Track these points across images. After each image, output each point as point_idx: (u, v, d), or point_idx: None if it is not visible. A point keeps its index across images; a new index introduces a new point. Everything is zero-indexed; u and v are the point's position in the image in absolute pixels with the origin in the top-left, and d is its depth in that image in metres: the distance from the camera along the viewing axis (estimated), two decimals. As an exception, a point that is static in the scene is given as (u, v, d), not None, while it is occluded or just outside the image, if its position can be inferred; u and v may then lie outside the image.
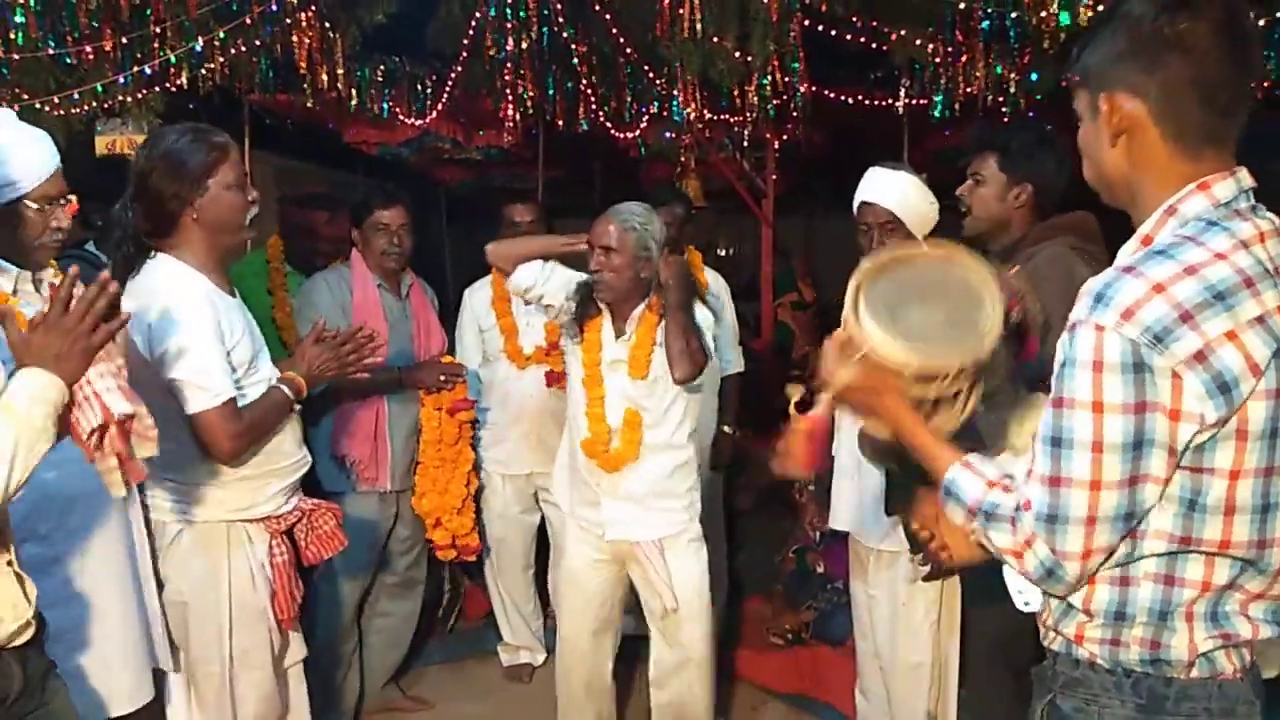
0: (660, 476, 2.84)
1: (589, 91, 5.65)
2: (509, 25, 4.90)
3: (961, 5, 4.66)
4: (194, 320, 2.17)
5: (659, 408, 2.83)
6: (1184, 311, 1.16)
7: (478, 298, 3.84)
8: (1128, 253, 1.30)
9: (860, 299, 1.45)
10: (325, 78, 5.05)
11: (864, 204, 2.72)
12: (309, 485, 2.53)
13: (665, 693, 2.95)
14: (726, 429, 4.04)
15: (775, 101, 5.08)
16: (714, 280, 4.05)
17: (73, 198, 2.10)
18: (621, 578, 2.97)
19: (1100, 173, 1.37)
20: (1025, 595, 1.46)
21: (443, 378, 3.35)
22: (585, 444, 2.84)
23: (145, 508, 2.27)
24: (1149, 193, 1.31)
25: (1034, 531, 1.26)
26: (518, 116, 5.53)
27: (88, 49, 4.39)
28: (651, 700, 3.00)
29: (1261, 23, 4.43)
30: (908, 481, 1.68)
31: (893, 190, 2.67)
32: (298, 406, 2.38)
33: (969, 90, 5.07)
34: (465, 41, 5.15)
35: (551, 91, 5.70)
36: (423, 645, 4.02)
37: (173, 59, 4.51)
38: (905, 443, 1.46)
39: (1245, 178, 1.29)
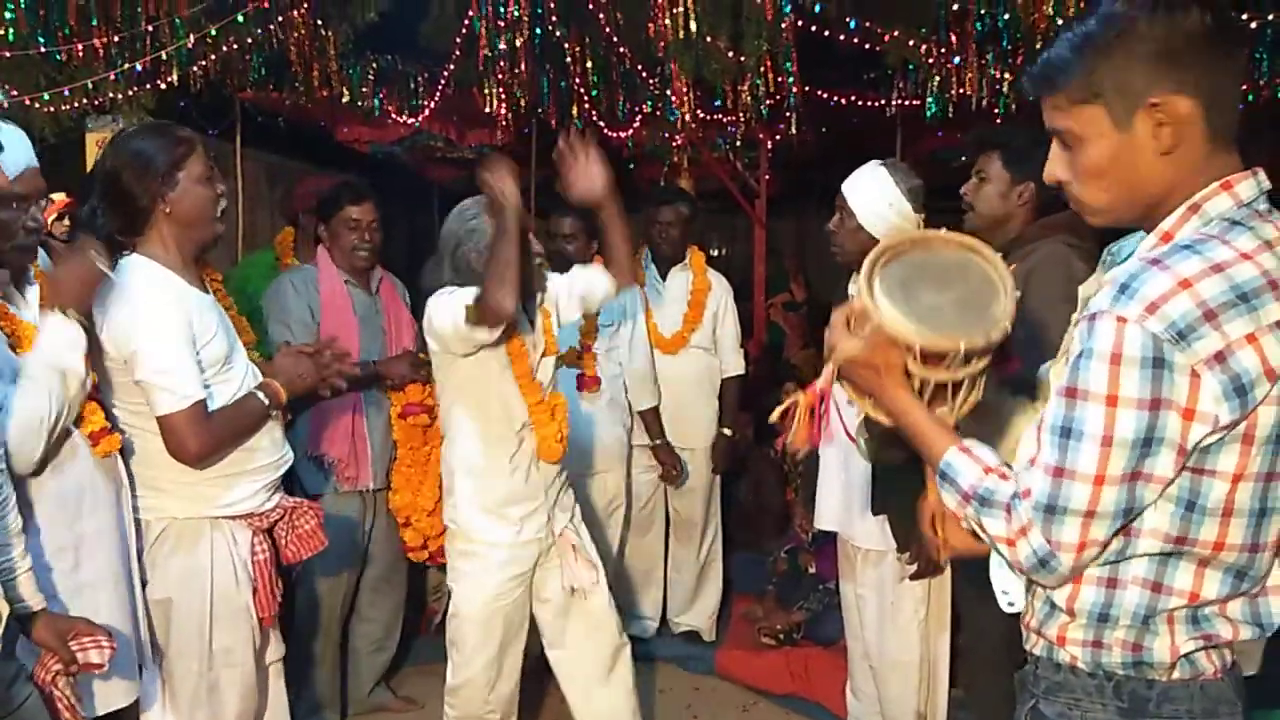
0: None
1: (582, 91, 5.65)
2: (501, 24, 4.90)
3: (955, 6, 4.67)
4: (163, 322, 2.17)
5: (548, 376, 2.78)
6: (1208, 310, 1.15)
7: None
8: (1147, 248, 1.27)
9: (875, 272, 1.44)
10: (317, 75, 5.04)
11: (840, 190, 2.74)
12: (288, 486, 2.52)
13: (598, 702, 2.83)
14: (726, 431, 4.04)
15: (768, 102, 5.09)
16: (717, 283, 4.05)
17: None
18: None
19: (1135, 188, 1.29)
20: (1010, 596, 1.45)
21: (419, 366, 3.28)
22: (545, 452, 2.69)
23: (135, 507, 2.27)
24: (1180, 198, 1.26)
25: (1030, 520, 1.25)
26: (510, 115, 5.52)
27: (78, 45, 4.37)
28: (579, 709, 2.85)
29: (1254, 25, 4.45)
30: (905, 477, 1.66)
31: (862, 193, 2.68)
32: (274, 414, 2.36)
33: (962, 91, 5.08)
34: (458, 40, 5.14)
35: (545, 90, 5.70)
36: (414, 645, 4.00)
37: (164, 56, 4.49)
38: (901, 425, 1.43)
39: (1264, 178, 1.27)
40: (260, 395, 2.31)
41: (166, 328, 2.17)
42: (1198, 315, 1.15)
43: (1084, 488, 1.21)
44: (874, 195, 2.65)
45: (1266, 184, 1.27)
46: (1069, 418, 1.21)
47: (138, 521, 2.27)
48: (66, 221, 3.29)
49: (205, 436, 2.20)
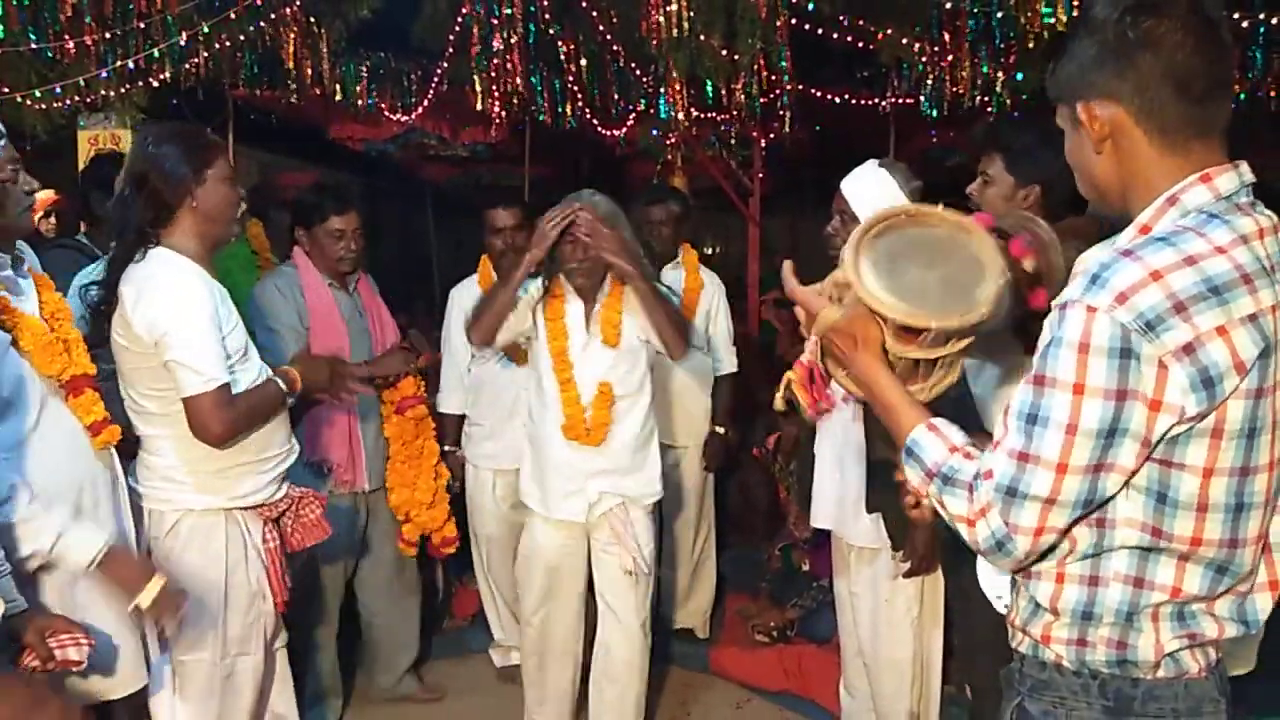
0: (636, 437, 2.99)
1: (575, 89, 5.65)
2: (495, 21, 4.90)
3: (948, 5, 4.68)
4: (192, 307, 2.27)
5: (631, 375, 2.96)
6: (1178, 301, 1.15)
7: (465, 295, 3.81)
8: (1125, 240, 1.27)
9: (863, 243, 1.43)
10: (310, 73, 5.03)
11: (839, 189, 2.74)
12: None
13: (611, 683, 3.04)
14: (719, 429, 4.04)
15: (762, 100, 5.09)
16: (709, 280, 4.05)
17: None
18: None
19: (1092, 183, 1.36)
20: (1005, 599, 1.45)
21: (410, 358, 3.34)
22: (565, 428, 2.91)
23: (134, 494, 2.32)
24: (1142, 194, 1.29)
25: (990, 501, 1.25)
26: (504, 113, 5.52)
27: (70, 43, 4.36)
28: (594, 676, 3.07)
29: (1245, 24, 4.46)
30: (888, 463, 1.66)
31: (866, 194, 2.67)
32: (290, 401, 2.46)
33: (955, 90, 5.09)
34: (451, 37, 5.14)
35: (538, 88, 5.70)
36: (433, 639, 3.99)
37: (156, 53, 4.48)
38: (871, 398, 1.44)
39: (1246, 171, 1.27)
40: (280, 381, 2.41)
41: (195, 313, 2.27)
42: (1167, 306, 1.15)
43: (1046, 474, 1.21)
44: (877, 196, 2.63)
45: (1249, 177, 1.27)
46: (1036, 404, 1.22)
47: (137, 511, 2.31)
48: (53, 219, 3.29)
49: (228, 419, 2.28)
